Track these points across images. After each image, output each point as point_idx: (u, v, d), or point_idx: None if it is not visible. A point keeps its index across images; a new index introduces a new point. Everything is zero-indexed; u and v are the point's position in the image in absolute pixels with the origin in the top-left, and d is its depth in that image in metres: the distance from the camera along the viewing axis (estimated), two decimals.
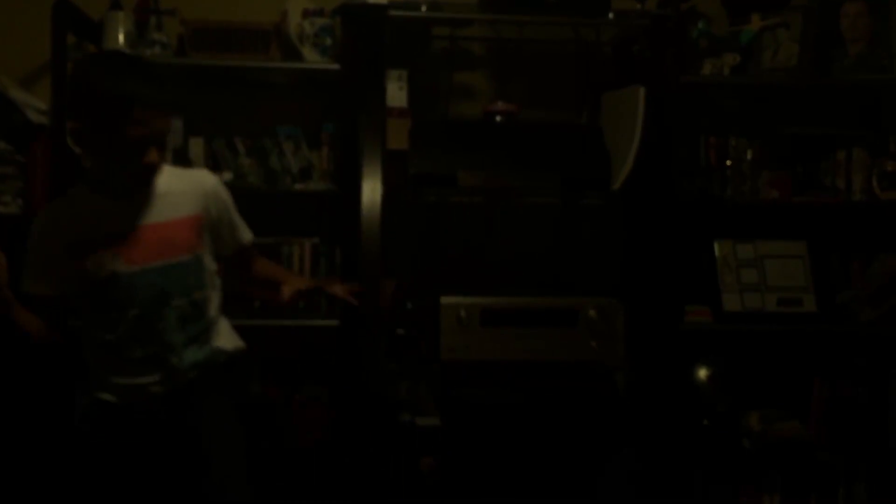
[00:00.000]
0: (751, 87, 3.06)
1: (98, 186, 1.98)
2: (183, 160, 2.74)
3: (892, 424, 2.97)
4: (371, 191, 2.65)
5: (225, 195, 2.12)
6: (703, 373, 2.98)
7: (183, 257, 2.00)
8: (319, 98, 2.95)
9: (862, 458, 2.99)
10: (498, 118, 2.91)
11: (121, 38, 2.75)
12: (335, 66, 2.79)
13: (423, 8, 2.79)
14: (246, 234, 2.18)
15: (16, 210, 2.67)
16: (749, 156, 2.98)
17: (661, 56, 2.83)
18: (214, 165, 2.79)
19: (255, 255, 2.25)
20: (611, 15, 2.87)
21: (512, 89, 3.06)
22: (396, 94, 2.79)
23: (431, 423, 2.65)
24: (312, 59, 2.82)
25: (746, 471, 2.97)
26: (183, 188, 2.04)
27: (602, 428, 2.71)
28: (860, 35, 2.95)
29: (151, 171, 1.94)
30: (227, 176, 2.75)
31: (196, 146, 2.83)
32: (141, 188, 1.97)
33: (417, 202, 2.72)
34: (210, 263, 2.07)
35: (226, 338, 2.12)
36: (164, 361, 1.99)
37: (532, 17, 2.92)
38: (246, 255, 2.21)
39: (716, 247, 2.99)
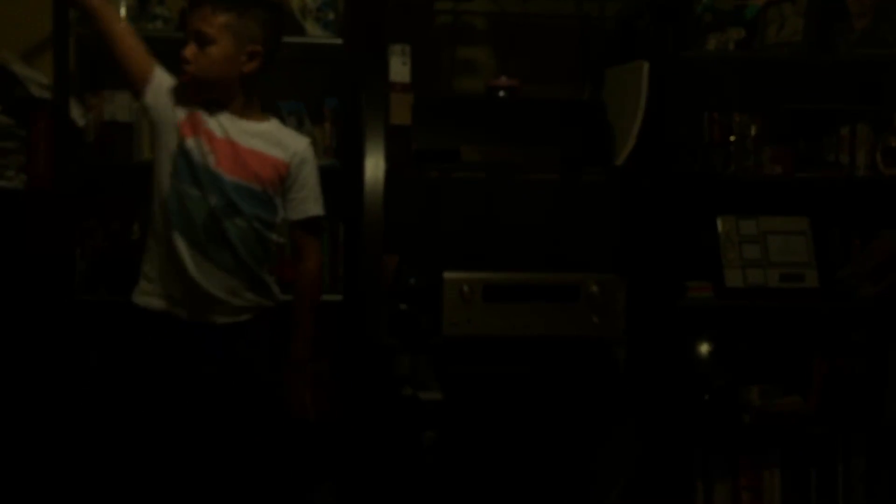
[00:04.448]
0: (755, 62, 3.05)
1: None
2: None
3: (890, 399, 2.99)
4: (374, 166, 2.65)
5: (310, 163, 2.29)
6: (703, 348, 3.00)
7: (258, 186, 2.19)
8: (322, 73, 2.94)
9: (861, 433, 3.01)
10: (501, 93, 2.90)
11: (123, 11, 2.73)
12: (338, 41, 2.78)
13: None
14: (313, 208, 2.28)
15: (19, 185, 2.66)
16: (752, 131, 2.97)
17: (665, 31, 2.82)
18: None
19: (310, 250, 2.31)
20: None
21: (515, 64, 3.05)
22: (399, 69, 2.78)
23: (434, 398, 2.67)
24: (315, 33, 2.81)
25: (746, 445, 2.99)
26: (281, 137, 2.26)
27: (603, 403, 2.73)
28: (866, 9, 2.93)
29: (183, 64, 2.15)
30: None
31: None
32: (193, 93, 2.18)
33: (420, 178, 2.72)
34: (279, 212, 2.25)
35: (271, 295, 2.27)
36: (197, 263, 2.14)
37: None
38: (303, 239, 2.30)
39: (718, 222, 2.99)
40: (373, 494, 2.62)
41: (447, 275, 2.63)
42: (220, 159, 2.16)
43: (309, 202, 2.28)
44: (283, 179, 2.24)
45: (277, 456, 2.30)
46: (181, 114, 2.17)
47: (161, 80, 2.20)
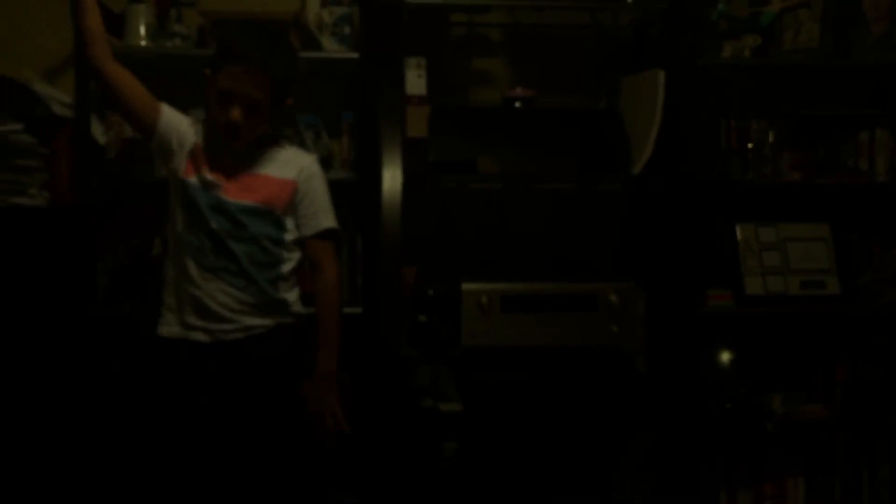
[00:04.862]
0: (772, 68, 3.04)
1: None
2: None
3: None
4: (391, 178, 2.66)
5: (318, 178, 2.31)
6: (725, 356, 2.98)
7: (265, 207, 2.21)
8: (339, 87, 2.96)
9: (885, 439, 2.98)
10: (517, 104, 2.90)
11: (142, 30, 2.78)
12: (354, 55, 2.80)
13: None
14: (325, 222, 2.29)
15: (41, 202, 2.70)
16: (770, 138, 2.96)
17: (681, 39, 2.82)
18: None
19: (327, 262, 2.30)
20: None
21: (530, 75, 3.06)
22: (415, 81, 2.80)
23: (454, 409, 2.67)
24: (331, 48, 2.84)
25: (770, 454, 2.97)
26: (288, 158, 2.29)
27: (624, 412, 2.72)
28: (883, 14, 2.92)
29: (233, 129, 2.14)
30: None
31: None
32: (229, 145, 2.18)
33: (437, 189, 2.73)
34: (291, 230, 2.26)
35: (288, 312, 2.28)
36: (216, 281, 2.17)
37: (550, 2, 2.91)
38: (319, 252, 2.30)
39: (737, 230, 2.98)
40: None
41: (466, 286, 2.63)
42: (227, 187, 2.20)
43: (320, 216, 2.30)
44: (293, 197, 2.26)
45: (300, 468, 2.31)
46: (184, 159, 2.21)
47: (166, 126, 2.22)
